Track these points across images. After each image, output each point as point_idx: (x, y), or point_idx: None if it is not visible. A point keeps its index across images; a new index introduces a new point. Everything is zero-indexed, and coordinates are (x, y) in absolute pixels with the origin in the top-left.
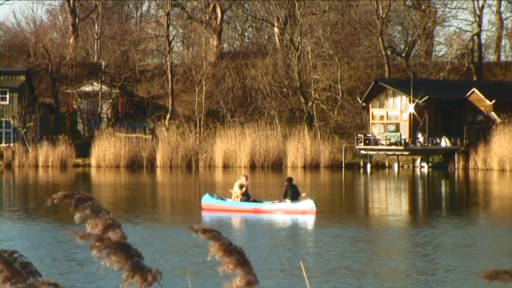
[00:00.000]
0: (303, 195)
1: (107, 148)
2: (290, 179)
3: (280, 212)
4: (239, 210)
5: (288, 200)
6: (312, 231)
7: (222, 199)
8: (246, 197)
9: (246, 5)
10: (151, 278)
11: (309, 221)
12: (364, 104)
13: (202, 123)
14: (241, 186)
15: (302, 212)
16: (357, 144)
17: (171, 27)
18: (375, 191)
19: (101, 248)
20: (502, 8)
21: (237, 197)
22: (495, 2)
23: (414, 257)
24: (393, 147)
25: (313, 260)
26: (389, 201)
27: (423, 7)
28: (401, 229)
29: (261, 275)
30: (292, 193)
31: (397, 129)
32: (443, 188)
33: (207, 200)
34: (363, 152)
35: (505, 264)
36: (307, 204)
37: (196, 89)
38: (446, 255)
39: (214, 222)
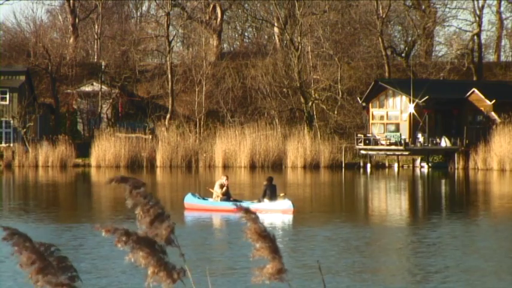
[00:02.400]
0: (281, 195)
1: (107, 148)
2: (270, 179)
3: (259, 212)
4: (219, 210)
5: (266, 200)
6: (299, 231)
7: (203, 199)
8: (227, 196)
9: (246, 5)
10: (176, 276)
11: (287, 220)
12: (364, 104)
13: (202, 123)
14: (221, 186)
15: (281, 212)
16: (357, 144)
17: (171, 27)
18: (374, 191)
19: (127, 242)
20: (502, 8)
21: (218, 196)
22: (495, 2)
23: (412, 256)
24: (393, 147)
25: (292, 258)
26: (389, 201)
27: (423, 7)
28: (401, 229)
29: (240, 273)
30: (271, 193)
31: (397, 129)
32: (443, 188)
33: (189, 200)
34: (363, 152)
35: (506, 264)
36: (285, 204)
37: (196, 89)
38: (446, 254)
39: (195, 222)
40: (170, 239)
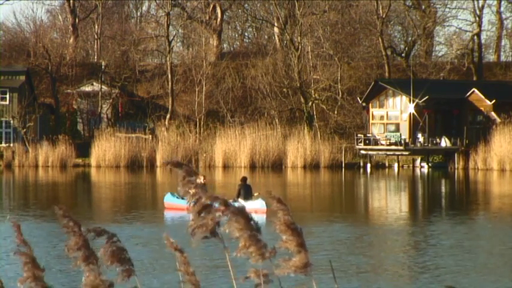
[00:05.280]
0: (255, 194)
1: (107, 148)
2: (244, 179)
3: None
4: None
5: (240, 199)
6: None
7: (182, 198)
8: None
9: (246, 5)
10: (268, 254)
11: (260, 219)
12: (364, 104)
13: (202, 123)
14: None
15: (254, 211)
16: (357, 144)
17: (171, 27)
18: (374, 191)
19: (224, 212)
20: (502, 8)
21: None
22: (495, 2)
23: (412, 255)
24: (393, 147)
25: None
26: (389, 201)
27: (423, 7)
28: (400, 228)
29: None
30: (245, 192)
31: (397, 129)
32: (443, 188)
33: (168, 199)
34: (363, 152)
35: (504, 263)
36: (258, 204)
37: (196, 89)
38: (445, 254)
39: (174, 221)
40: (215, 231)
